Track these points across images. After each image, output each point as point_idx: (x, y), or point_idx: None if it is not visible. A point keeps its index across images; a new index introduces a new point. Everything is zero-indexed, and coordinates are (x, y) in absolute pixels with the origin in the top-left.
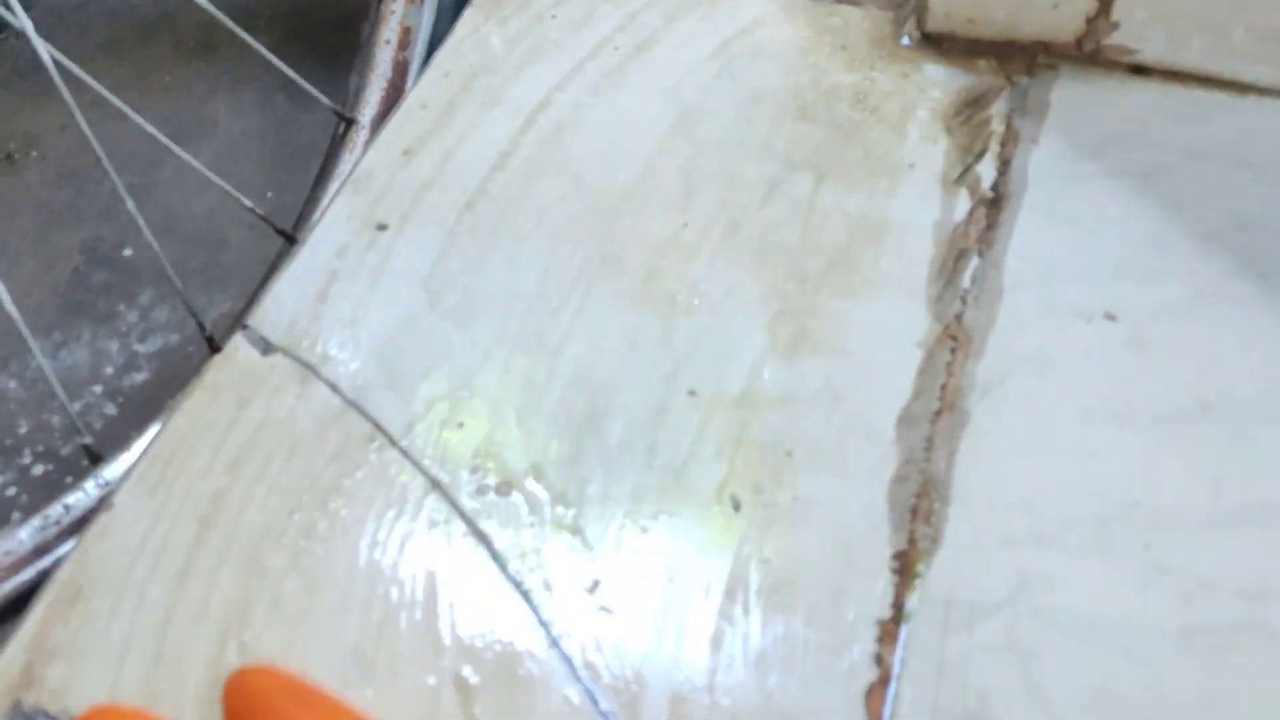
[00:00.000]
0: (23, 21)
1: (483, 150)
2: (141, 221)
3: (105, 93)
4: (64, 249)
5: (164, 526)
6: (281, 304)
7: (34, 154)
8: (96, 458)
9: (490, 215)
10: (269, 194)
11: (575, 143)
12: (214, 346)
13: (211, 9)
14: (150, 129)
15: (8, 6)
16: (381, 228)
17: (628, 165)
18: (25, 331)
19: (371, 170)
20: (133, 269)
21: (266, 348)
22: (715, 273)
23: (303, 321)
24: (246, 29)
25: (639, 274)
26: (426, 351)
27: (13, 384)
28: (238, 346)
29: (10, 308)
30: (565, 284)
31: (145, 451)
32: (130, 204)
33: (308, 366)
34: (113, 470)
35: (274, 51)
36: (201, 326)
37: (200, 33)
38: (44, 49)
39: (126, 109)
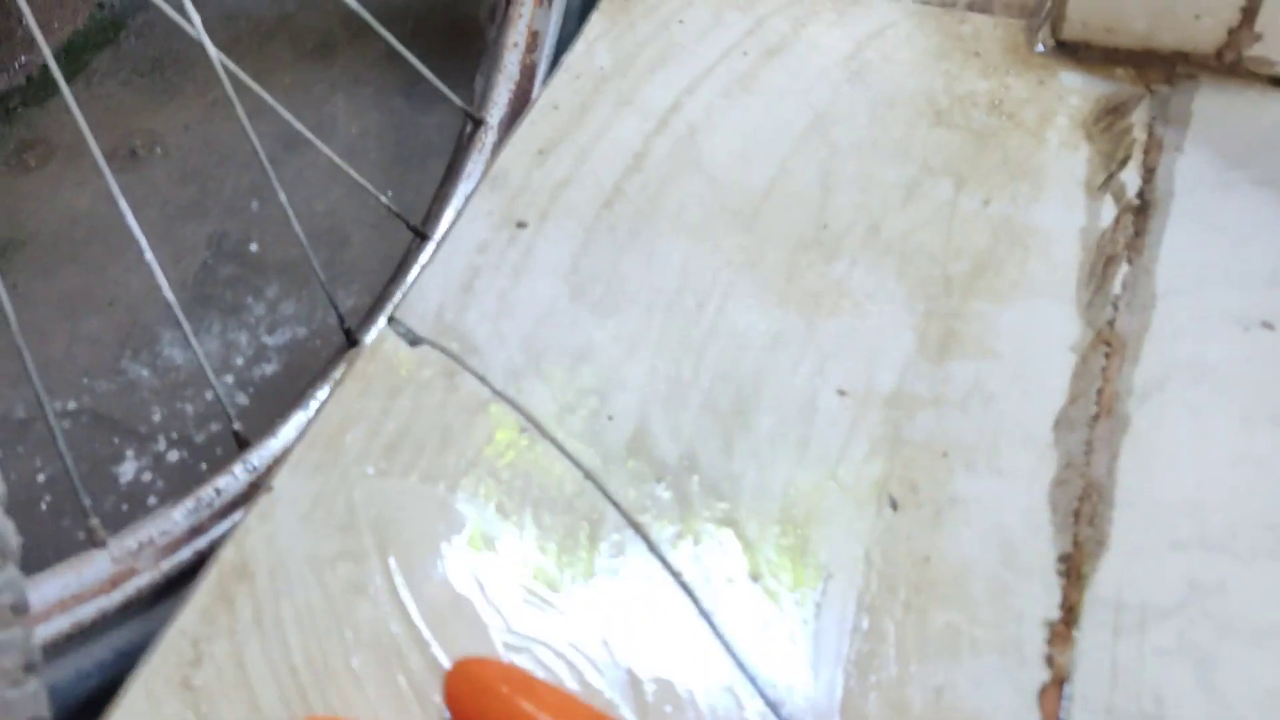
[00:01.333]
0: (197, 28)
1: (617, 150)
2: (291, 213)
3: (256, 87)
4: (191, 244)
5: (323, 507)
6: (426, 297)
7: (158, 151)
8: (244, 443)
9: (628, 214)
10: (388, 192)
11: (709, 144)
12: (352, 339)
13: (357, 7)
14: (292, 119)
15: (183, 11)
16: (521, 225)
17: (763, 167)
18: (181, 317)
19: (508, 169)
20: (259, 264)
21: (414, 339)
22: (858, 273)
23: (449, 314)
24: (365, 31)
25: (780, 273)
26: (572, 344)
27: (145, 373)
28: (384, 338)
29: (167, 292)
30: (706, 281)
31: (301, 437)
32: (281, 196)
33: (455, 358)
34: (260, 456)
35: (396, 53)
36: (341, 319)
37: (317, 35)
38: (213, 50)
39: (273, 101)
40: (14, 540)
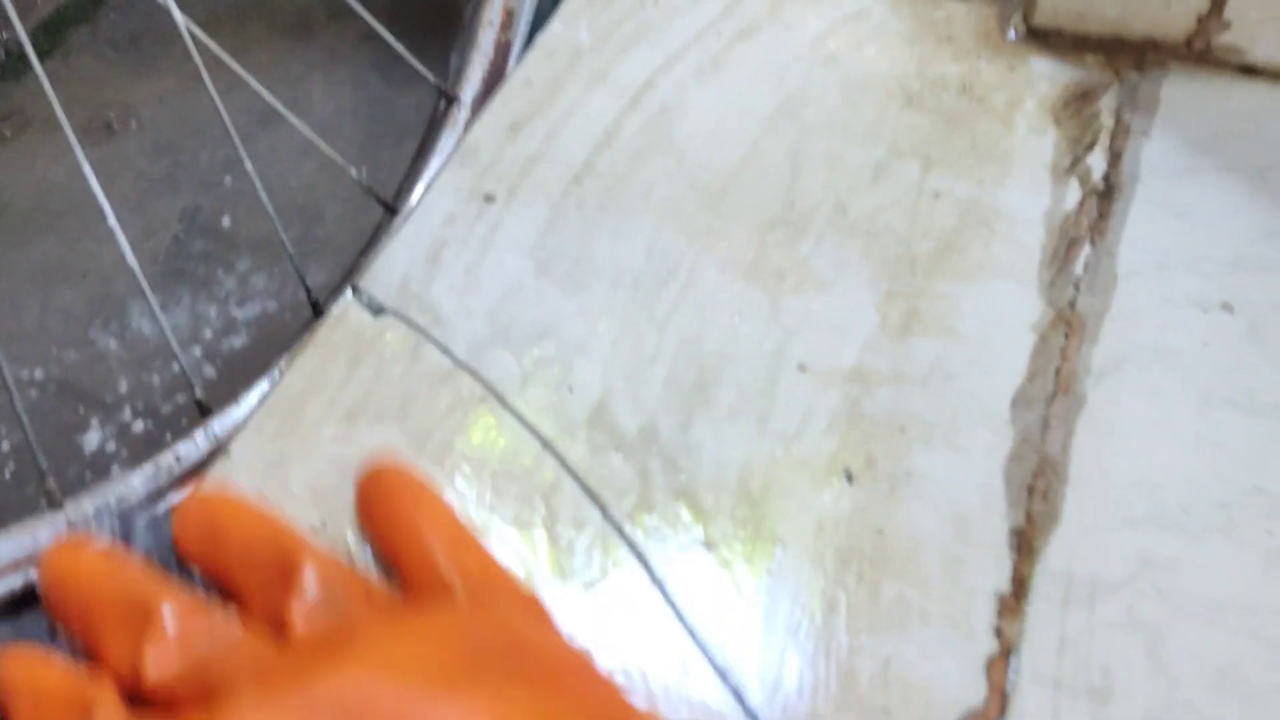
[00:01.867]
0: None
1: (588, 128)
2: (260, 187)
3: (228, 58)
4: (163, 217)
5: (279, 475)
6: (392, 267)
7: (133, 124)
8: (206, 410)
9: (597, 190)
10: (363, 169)
11: (681, 123)
12: (319, 310)
13: None
14: (263, 91)
15: None
16: (489, 199)
17: (733, 146)
18: (145, 286)
19: (478, 144)
20: (231, 238)
21: (377, 309)
22: (824, 252)
23: (413, 285)
24: (343, 10)
25: (746, 250)
26: (536, 318)
27: (113, 343)
28: (348, 307)
29: (131, 260)
30: (672, 258)
31: (261, 404)
32: (250, 169)
33: (419, 329)
34: (221, 424)
35: (374, 34)
36: (309, 291)
37: (296, 14)
38: (181, 19)
39: (244, 72)
40: None
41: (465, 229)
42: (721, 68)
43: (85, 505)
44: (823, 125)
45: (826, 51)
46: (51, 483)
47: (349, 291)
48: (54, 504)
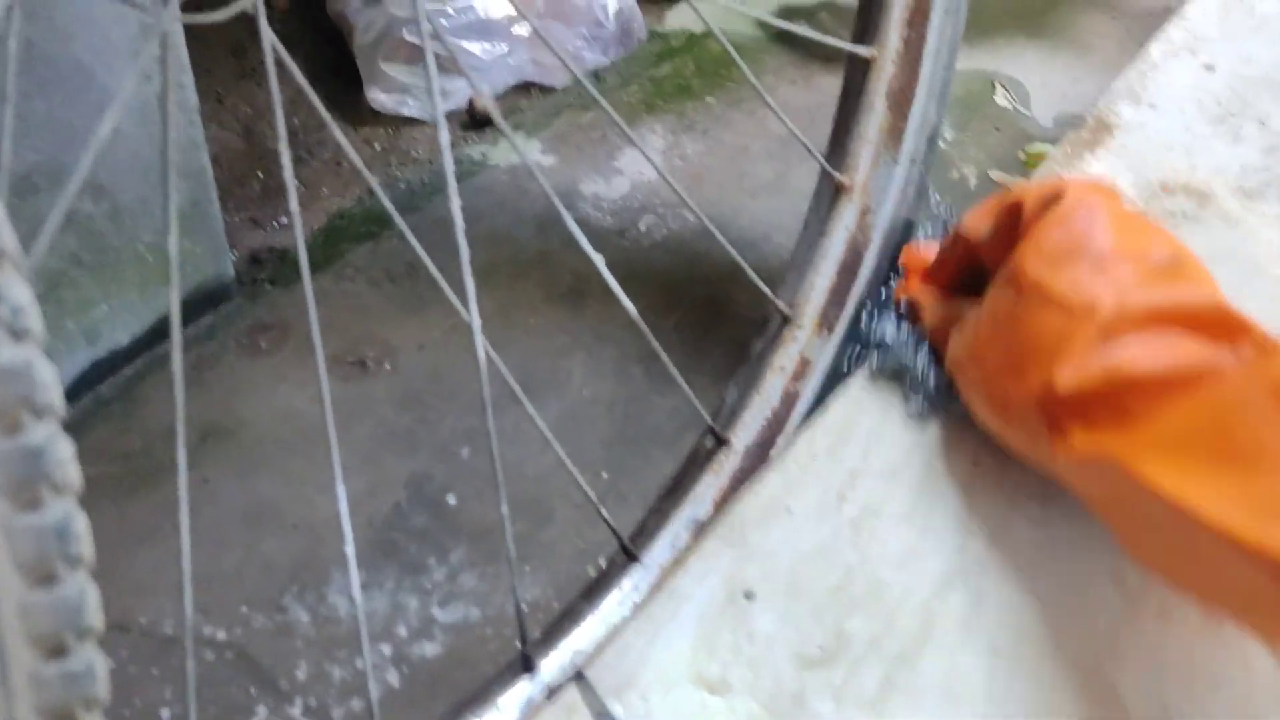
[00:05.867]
0: (461, 254)
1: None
2: (501, 478)
3: (482, 341)
4: (391, 478)
5: None
6: (625, 657)
7: (387, 366)
8: None
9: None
10: (604, 473)
11: None
12: (527, 662)
13: (616, 289)
14: (510, 379)
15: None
16: (749, 596)
17: None
18: (353, 565)
19: (746, 523)
20: (453, 519)
21: (600, 711)
22: None
23: (645, 695)
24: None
25: None
26: None
27: (305, 617)
28: (571, 701)
29: (350, 549)
30: None
31: None
32: (495, 454)
33: None
34: None
35: (648, 327)
36: (523, 635)
37: (572, 280)
38: (438, 276)
39: (495, 356)
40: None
41: (711, 630)
42: None
43: None
44: None
45: None
46: None
47: (574, 677)
48: None
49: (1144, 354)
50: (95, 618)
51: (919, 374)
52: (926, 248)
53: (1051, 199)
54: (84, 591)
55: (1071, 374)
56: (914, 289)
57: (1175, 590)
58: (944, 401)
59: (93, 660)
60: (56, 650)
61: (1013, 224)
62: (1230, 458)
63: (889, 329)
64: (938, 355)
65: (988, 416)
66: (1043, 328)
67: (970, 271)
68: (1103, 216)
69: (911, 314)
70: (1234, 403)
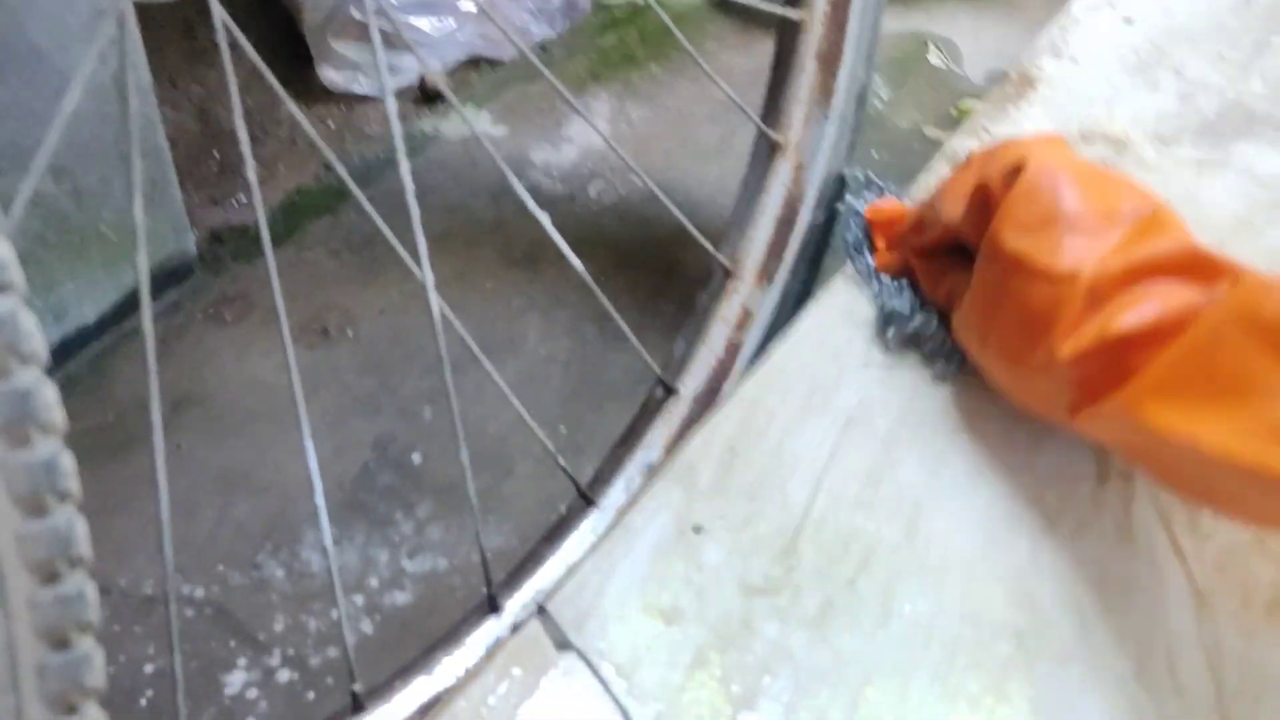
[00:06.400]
0: (412, 220)
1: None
2: (461, 434)
3: (436, 300)
4: (357, 440)
5: None
6: (583, 593)
7: (349, 333)
8: (359, 707)
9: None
10: (561, 428)
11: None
12: (494, 603)
13: (567, 251)
14: (468, 338)
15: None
16: (698, 530)
17: None
18: (325, 521)
19: (694, 464)
20: (418, 477)
21: (563, 642)
22: None
23: (610, 626)
24: (582, 257)
25: None
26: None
27: (279, 573)
28: (533, 633)
29: (320, 500)
30: None
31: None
32: (455, 412)
33: (604, 682)
34: None
35: (600, 288)
36: (489, 581)
37: (527, 246)
38: (421, 236)
39: (453, 317)
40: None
41: (665, 566)
42: None
43: None
44: None
45: None
46: None
47: (535, 612)
48: None
49: (1131, 311)
50: (84, 547)
51: (938, 341)
52: (890, 205)
53: (1014, 170)
54: (73, 522)
55: (1071, 345)
56: (892, 257)
57: (1218, 513)
58: (960, 363)
59: (84, 586)
60: (50, 576)
61: (984, 201)
62: (1219, 390)
63: (899, 299)
64: (945, 320)
65: (1002, 386)
66: (1032, 299)
67: (957, 245)
68: (1066, 178)
69: (910, 278)
70: (1213, 339)
